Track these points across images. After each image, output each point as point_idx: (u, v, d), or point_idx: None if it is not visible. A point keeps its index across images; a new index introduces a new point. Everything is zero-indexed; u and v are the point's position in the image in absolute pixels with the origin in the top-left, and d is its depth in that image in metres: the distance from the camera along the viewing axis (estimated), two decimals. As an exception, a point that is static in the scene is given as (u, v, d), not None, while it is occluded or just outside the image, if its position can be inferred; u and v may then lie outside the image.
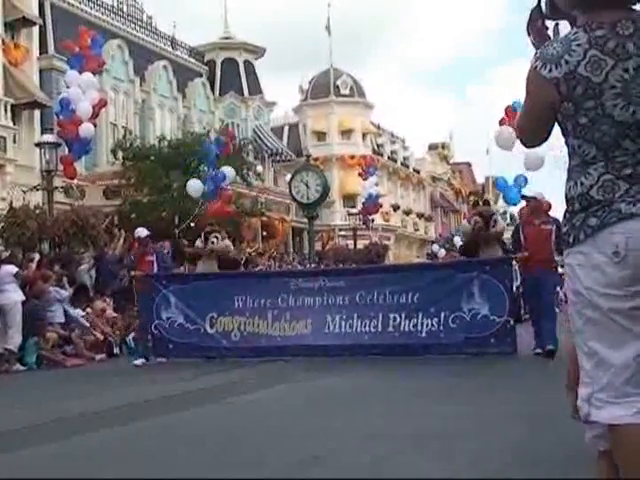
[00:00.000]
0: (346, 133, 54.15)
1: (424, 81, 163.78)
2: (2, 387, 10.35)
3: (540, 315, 10.58)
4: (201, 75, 41.13)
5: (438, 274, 11.58)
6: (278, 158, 43.27)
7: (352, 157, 51.20)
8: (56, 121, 19.47)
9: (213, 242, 13.04)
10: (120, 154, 29.14)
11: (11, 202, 21.08)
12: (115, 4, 36.02)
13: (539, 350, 10.42)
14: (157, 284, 12.30)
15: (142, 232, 13.43)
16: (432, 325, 11.05)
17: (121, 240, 17.60)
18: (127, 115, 34.34)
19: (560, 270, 10.97)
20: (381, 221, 49.61)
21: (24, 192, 21.13)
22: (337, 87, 53.77)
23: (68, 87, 18.52)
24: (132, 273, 12.79)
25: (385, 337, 11.25)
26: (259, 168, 35.72)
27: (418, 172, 63.07)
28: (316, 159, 46.12)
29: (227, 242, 13.56)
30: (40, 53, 30.04)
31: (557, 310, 16.17)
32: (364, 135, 54.71)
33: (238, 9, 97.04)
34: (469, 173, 77.80)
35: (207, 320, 11.98)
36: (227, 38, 44.03)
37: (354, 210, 45.11)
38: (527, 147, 2.96)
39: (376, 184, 39.08)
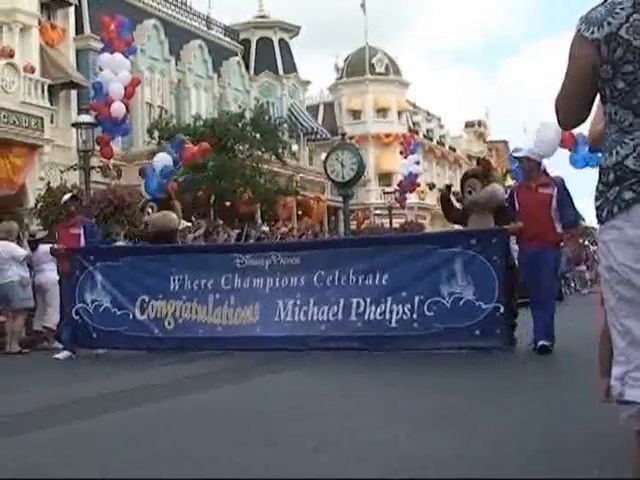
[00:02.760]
0: (382, 111, 53.89)
1: (460, 59, 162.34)
2: (42, 364, 10.44)
3: (535, 302, 8.69)
4: (236, 54, 41.10)
5: (411, 250, 9.34)
6: (313, 137, 43.21)
7: (388, 135, 51.07)
8: (91, 104, 19.61)
9: (148, 213, 11.38)
10: (156, 134, 29.25)
11: (48, 182, 21.29)
12: (150, -16, 36.06)
13: (542, 343, 8.43)
14: (82, 260, 10.45)
15: (67, 198, 11.30)
16: (404, 313, 9.01)
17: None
18: (163, 95, 34.44)
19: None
20: (417, 200, 49.42)
21: (61, 172, 21.31)
22: (372, 65, 53.48)
23: (101, 69, 18.62)
24: (54, 247, 11.06)
25: (346, 327, 9.30)
26: (294, 147, 35.71)
27: (454, 150, 62.63)
28: (351, 137, 45.99)
29: (166, 212, 11.48)
30: (76, 33, 30.21)
31: (566, 292, 15.16)
32: (400, 113, 54.43)
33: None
34: (506, 151, 77.04)
35: (137, 304, 10.20)
36: (262, 17, 43.95)
37: (390, 189, 44.95)
38: (567, 127, 2.90)
39: (417, 162, 38.85)
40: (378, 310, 9.13)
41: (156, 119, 30.80)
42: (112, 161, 22.52)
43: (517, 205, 8.80)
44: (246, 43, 42.74)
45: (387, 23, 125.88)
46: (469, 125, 68.14)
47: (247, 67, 41.44)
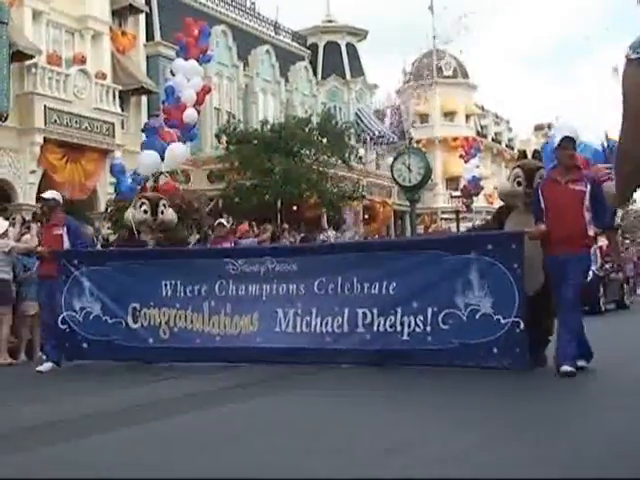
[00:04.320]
0: (449, 115, 53.64)
1: (529, 61, 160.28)
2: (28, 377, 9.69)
3: (559, 317, 7.60)
4: (303, 59, 41.27)
5: (423, 256, 8.38)
6: (380, 141, 43.12)
7: (455, 139, 50.71)
8: (162, 108, 19.93)
9: (162, 211, 10.51)
10: (224, 138, 29.56)
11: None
12: (219, -10, 36.49)
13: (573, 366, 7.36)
14: (67, 264, 9.66)
15: (48, 195, 10.42)
16: (416, 325, 8.18)
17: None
18: (231, 100, 34.76)
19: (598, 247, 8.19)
20: (484, 203, 48.98)
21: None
22: (440, 68, 53.17)
23: (174, 75, 18.93)
24: (37, 249, 10.21)
25: (353, 340, 8.52)
26: (361, 151, 35.67)
27: (524, 153, 61.74)
28: (419, 141, 45.86)
29: (172, 213, 10.94)
30: (147, 40, 30.71)
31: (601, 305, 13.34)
32: (467, 116, 54.10)
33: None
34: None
35: (129, 312, 9.48)
36: (329, 21, 44.06)
37: (457, 192, 44.66)
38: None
39: (477, 166, 38.55)
40: (387, 322, 8.32)
41: (224, 124, 31.11)
42: (180, 166, 22.85)
43: (543, 203, 7.59)
44: (314, 48, 42.89)
45: (456, 26, 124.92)
46: (538, 128, 67.28)
47: (314, 72, 41.58)
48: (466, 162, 37.72)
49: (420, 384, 7.51)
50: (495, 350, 7.75)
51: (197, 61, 18.72)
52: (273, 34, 39.81)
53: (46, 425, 5.93)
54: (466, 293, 7.90)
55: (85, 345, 9.57)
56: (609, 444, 4.55)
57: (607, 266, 19.41)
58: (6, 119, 23.04)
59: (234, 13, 36.95)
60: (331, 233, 25.54)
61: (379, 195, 38.16)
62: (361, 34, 44.62)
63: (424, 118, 53.23)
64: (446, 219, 44.89)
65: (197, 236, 18.72)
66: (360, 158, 35.03)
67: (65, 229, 9.84)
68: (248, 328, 8.99)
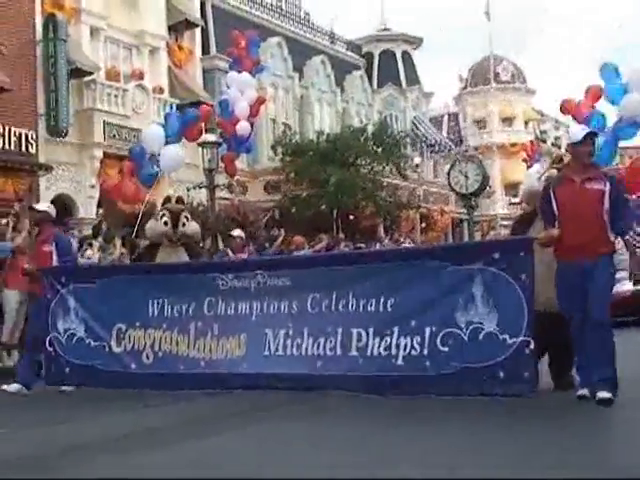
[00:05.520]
0: (507, 120, 53.14)
1: (590, 65, 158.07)
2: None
3: (584, 335, 6.45)
4: (359, 68, 41.31)
5: (421, 268, 7.39)
6: (437, 149, 42.94)
7: (514, 145, 50.18)
8: (216, 121, 20.09)
9: (184, 224, 10.10)
10: (279, 150, 29.74)
11: (178, 198, 21.88)
12: (274, 2, 36.75)
13: (584, 392, 6.48)
14: (53, 281, 9.03)
15: (41, 206, 9.79)
16: (412, 348, 7.19)
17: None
18: (287, 111, 34.93)
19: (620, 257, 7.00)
20: (545, 210, 48.38)
21: (187, 190, 21.90)
22: (497, 74, 52.78)
23: (228, 88, 19.05)
24: (25, 266, 9.43)
25: (344, 364, 7.56)
26: (416, 160, 35.56)
27: (584, 159, 60.96)
28: (476, 148, 45.60)
29: (195, 225, 10.49)
30: (203, 54, 31.05)
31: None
32: (526, 122, 53.50)
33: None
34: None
35: (114, 334, 8.72)
36: (384, 30, 44.07)
37: (516, 199, 44.16)
38: None
39: (538, 172, 38.05)
40: (382, 344, 7.35)
41: (280, 135, 31.29)
42: (237, 178, 23.03)
43: (555, 205, 6.66)
44: (369, 56, 42.91)
45: (513, 31, 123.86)
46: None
47: (370, 80, 41.58)
48: (529, 167, 37.23)
49: (422, 412, 6.68)
50: (501, 374, 6.75)
51: (250, 73, 18.80)
52: (328, 44, 39.93)
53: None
54: (468, 309, 6.91)
55: (67, 370, 8.86)
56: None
57: None
58: (66, 135, 23.50)
59: (288, 24, 37.18)
60: (387, 242, 25.48)
61: (436, 203, 37.97)
62: (416, 42, 44.52)
63: (482, 124, 52.84)
64: (505, 226, 44.42)
65: (254, 246, 18.84)
66: (416, 166, 34.93)
67: (54, 245, 9.21)
68: (235, 352, 8.14)
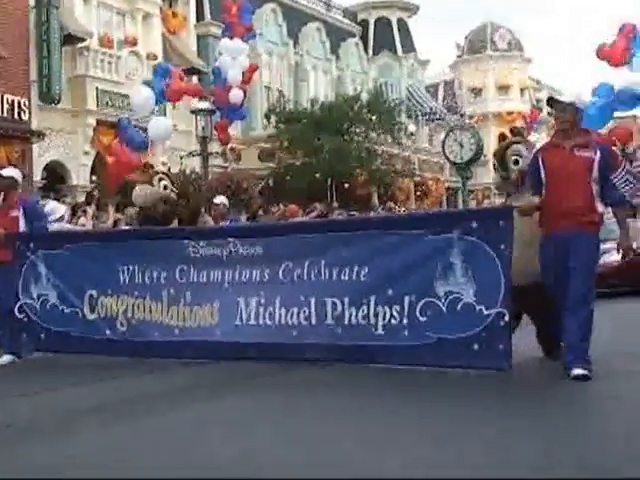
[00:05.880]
0: (503, 89, 52.89)
1: (590, 32, 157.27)
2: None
3: (566, 310, 6.21)
4: (354, 35, 41.07)
5: (398, 237, 7.15)
6: (432, 117, 42.80)
7: (510, 113, 50.03)
8: (210, 89, 20.02)
9: (166, 187, 9.70)
10: (273, 117, 29.63)
11: (169, 168, 21.84)
12: (269, -32, 36.43)
13: (579, 371, 6.09)
14: (23, 247, 8.82)
15: (6, 172, 9.35)
16: (392, 317, 7.03)
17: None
18: (281, 78, 34.78)
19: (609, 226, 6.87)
20: (540, 178, 48.41)
21: (180, 158, 21.83)
22: (494, 42, 52.49)
23: (221, 54, 18.96)
24: None
25: (322, 333, 7.40)
26: (411, 128, 35.44)
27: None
28: (472, 116, 45.40)
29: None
30: (197, 20, 30.83)
31: None
32: (522, 90, 53.28)
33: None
34: (637, 125, 74.51)
35: (86, 300, 8.53)
36: (380, -4, 43.72)
37: (511, 168, 44.18)
38: None
39: (536, 141, 38.02)
40: (360, 313, 7.18)
41: (274, 103, 31.16)
42: (231, 145, 22.98)
43: (543, 172, 6.38)
44: (364, 24, 42.63)
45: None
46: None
47: (365, 48, 41.35)
48: (527, 135, 37.21)
49: (403, 385, 6.46)
50: (476, 347, 6.55)
51: (242, 39, 18.69)
52: (323, 11, 39.66)
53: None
54: (447, 278, 6.69)
55: (43, 336, 8.70)
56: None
57: None
58: (59, 102, 23.42)
59: (284, -9, 36.87)
60: (380, 211, 25.48)
61: (431, 172, 37.92)
62: (412, 9, 44.22)
63: (478, 92, 52.62)
64: (500, 194, 44.46)
65: (246, 215, 18.81)
66: (411, 134, 34.84)
67: (21, 211, 8.92)
68: (207, 320, 7.97)
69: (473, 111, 47.01)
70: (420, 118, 41.41)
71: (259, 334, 7.66)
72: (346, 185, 28.78)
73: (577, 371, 6.04)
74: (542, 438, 4.47)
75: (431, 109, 42.29)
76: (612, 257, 13.10)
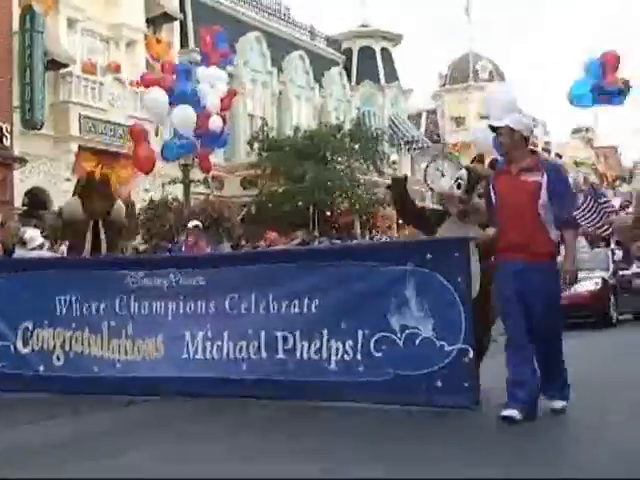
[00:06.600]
0: (485, 118, 53.25)
1: (568, 65, 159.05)
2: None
3: (534, 343, 5.82)
4: (338, 64, 41.28)
5: (351, 267, 6.85)
6: (414, 146, 43.00)
7: (491, 142, 50.35)
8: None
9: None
10: (256, 145, 29.70)
11: (151, 196, 21.89)
12: (253, -4, 36.65)
13: (509, 412, 5.66)
14: None
15: None
16: (345, 352, 6.70)
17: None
18: (264, 106, 34.84)
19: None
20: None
21: (163, 185, 21.88)
22: (476, 72, 52.95)
23: (199, 82, 18.99)
24: None
25: (272, 368, 7.01)
26: (393, 157, 35.58)
27: (560, 157, 61.38)
28: (455, 145, 45.64)
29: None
30: (181, 47, 30.93)
31: None
32: (504, 120, 53.72)
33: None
34: (615, 157, 75.21)
35: (20, 333, 7.98)
36: (364, 26, 44.03)
37: (492, 197, 44.46)
38: None
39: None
40: (312, 347, 6.83)
41: (256, 130, 31.24)
42: (213, 173, 22.97)
43: (494, 199, 6.01)
44: (348, 52, 42.90)
45: (493, 30, 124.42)
46: (576, 131, 66.74)
47: (349, 77, 41.55)
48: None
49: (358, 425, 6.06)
50: (439, 383, 6.27)
51: (219, 66, 18.71)
52: (307, 39, 39.87)
53: None
54: (402, 313, 6.41)
55: None
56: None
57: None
58: (41, 127, 23.35)
59: (268, 19, 37.06)
60: (363, 239, 25.53)
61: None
62: (396, 39, 44.57)
63: (460, 121, 52.97)
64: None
65: (229, 244, 18.81)
66: (393, 162, 34.96)
67: None
68: (152, 354, 7.53)
69: (455, 140, 47.27)
70: (402, 146, 41.60)
71: (207, 368, 7.30)
72: (328, 213, 28.84)
73: (559, 403, 5.92)
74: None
75: (413, 137, 42.51)
76: (583, 287, 13.10)
